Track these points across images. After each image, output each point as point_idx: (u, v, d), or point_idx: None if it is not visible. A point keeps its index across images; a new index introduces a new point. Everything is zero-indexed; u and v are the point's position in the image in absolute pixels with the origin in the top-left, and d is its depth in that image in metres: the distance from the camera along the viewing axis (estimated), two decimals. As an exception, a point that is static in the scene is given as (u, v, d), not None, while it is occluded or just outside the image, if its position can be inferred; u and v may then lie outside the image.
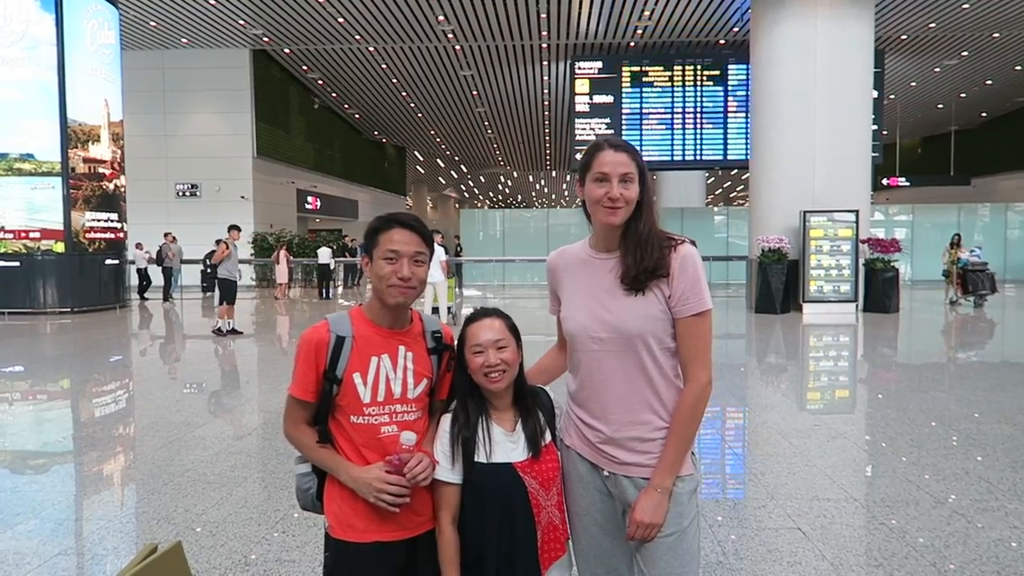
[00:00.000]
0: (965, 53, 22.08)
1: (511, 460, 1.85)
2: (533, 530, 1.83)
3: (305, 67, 24.10)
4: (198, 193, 23.13)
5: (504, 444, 1.87)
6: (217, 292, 11.89)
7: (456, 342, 1.97)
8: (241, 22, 19.47)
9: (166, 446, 5.35)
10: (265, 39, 21.06)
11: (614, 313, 1.82)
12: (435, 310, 12.18)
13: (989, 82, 25.76)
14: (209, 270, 11.80)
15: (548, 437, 1.93)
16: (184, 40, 21.40)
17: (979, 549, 3.47)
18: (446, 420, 1.91)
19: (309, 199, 28.19)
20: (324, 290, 19.38)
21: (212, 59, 22.53)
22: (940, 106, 29.41)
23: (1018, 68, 23.93)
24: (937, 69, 23.86)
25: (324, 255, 19.55)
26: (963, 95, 27.68)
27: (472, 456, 1.84)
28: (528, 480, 1.85)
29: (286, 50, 22.18)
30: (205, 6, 18.32)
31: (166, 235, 19.14)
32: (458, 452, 1.85)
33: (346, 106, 29.72)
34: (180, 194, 23.18)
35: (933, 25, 19.15)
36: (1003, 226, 22.81)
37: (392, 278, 1.84)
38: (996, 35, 20.17)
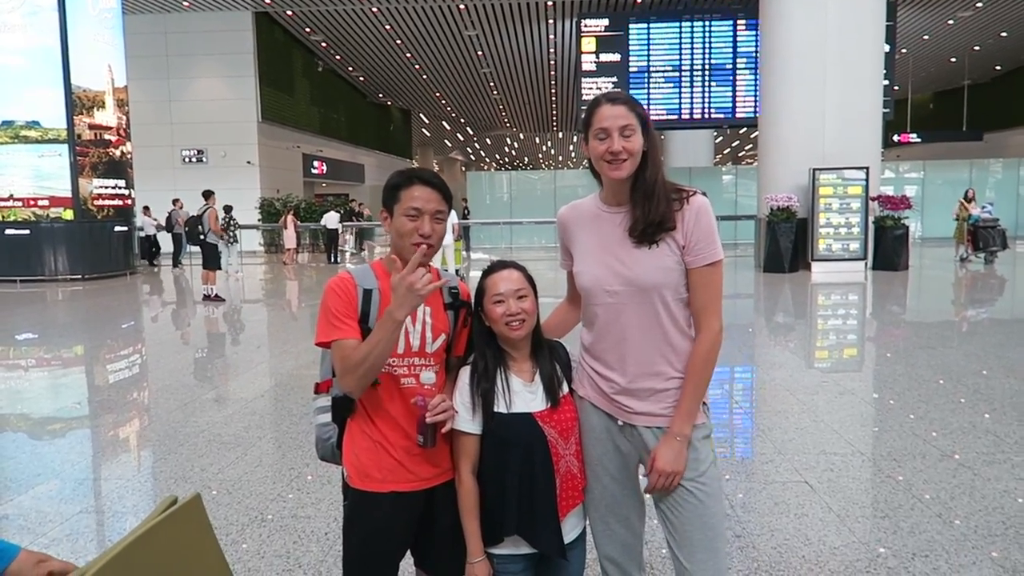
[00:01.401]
0: (980, 4, 21.61)
1: (531, 410, 1.89)
2: (552, 478, 1.86)
3: (308, 29, 23.84)
4: (204, 159, 23.09)
5: (523, 394, 1.90)
6: (202, 257, 12.00)
7: (474, 295, 1.99)
8: (242, -16, 19.24)
9: (181, 408, 5.43)
10: (268, 1, 20.80)
11: (628, 266, 1.83)
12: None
13: (1004, 34, 25.24)
14: (203, 236, 11.90)
15: (565, 388, 1.96)
16: (186, 3, 21.17)
17: (984, 500, 3.51)
18: (465, 372, 1.94)
19: (315, 163, 28.11)
20: (332, 254, 19.44)
21: (215, 22, 22.30)
22: (953, 60, 28.90)
23: (1034, 19, 23.45)
24: (951, 21, 23.40)
25: (332, 219, 19.57)
26: (977, 48, 27.17)
27: (492, 407, 1.87)
28: (547, 430, 1.88)
29: (289, 12, 21.93)
30: (205, -32, 18.10)
31: (174, 202, 19.17)
32: (478, 403, 1.88)
33: (350, 69, 29.46)
34: (186, 160, 23.14)
35: (947, -24, 18.74)
36: (1016, 182, 22.56)
37: (414, 235, 1.85)
38: (1012, -15, 19.75)
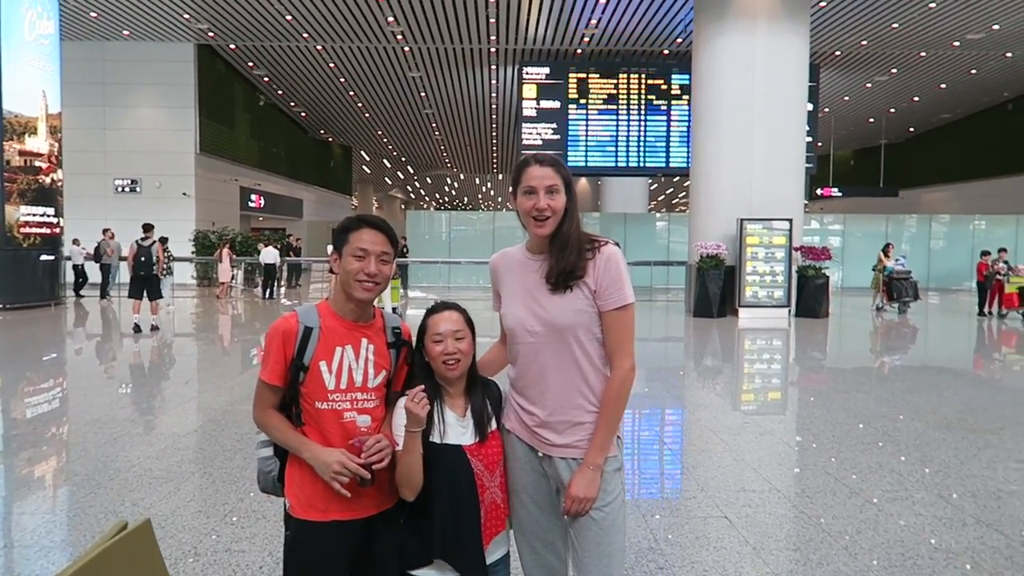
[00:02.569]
0: (894, 70, 23.11)
1: (461, 443, 2.03)
2: (477, 508, 2.00)
3: (251, 63, 23.79)
4: (138, 189, 22.60)
5: (456, 428, 2.04)
6: (147, 289, 11.96)
7: (416, 331, 2.14)
8: (186, 16, 19.15)
9: (111, 442, 5.34)
10: (210, 34, 20.74)
11: (546, 309, 2.01)
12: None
13: (916, 99, 26.98)
14: (143, 271, 11.86)
15: (494, 424, 2.11)
16: (126, 32, 20.92)
17: (887, 534, 3.77)
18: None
19: (253, 197, 27.79)
20: (269, 289, 19.18)
21: (155, 52, 22.07)
22: (871, 120, 30.66)
23: (943, 86, 25.14)
24: (869, 84, 24.89)
25: (270, 255, 19.32)
26: (892, 110, 28.93)
27: (427, 436, 2.00)
28: (475, 463, 2.02)
29: (232, 46, 21.87)
30: (148, -2, 17.97)
31: (105, 231, 18.68)
32: None
33: (292, 104, 29.41)
34: (119, 189, 22.62)
35: (865, 43, 20.00)
36: (927, 236, 23.91)
37: (360, 274, 2.00)
38: (923, 54, 21.18)
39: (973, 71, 23.23)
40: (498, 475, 2.07)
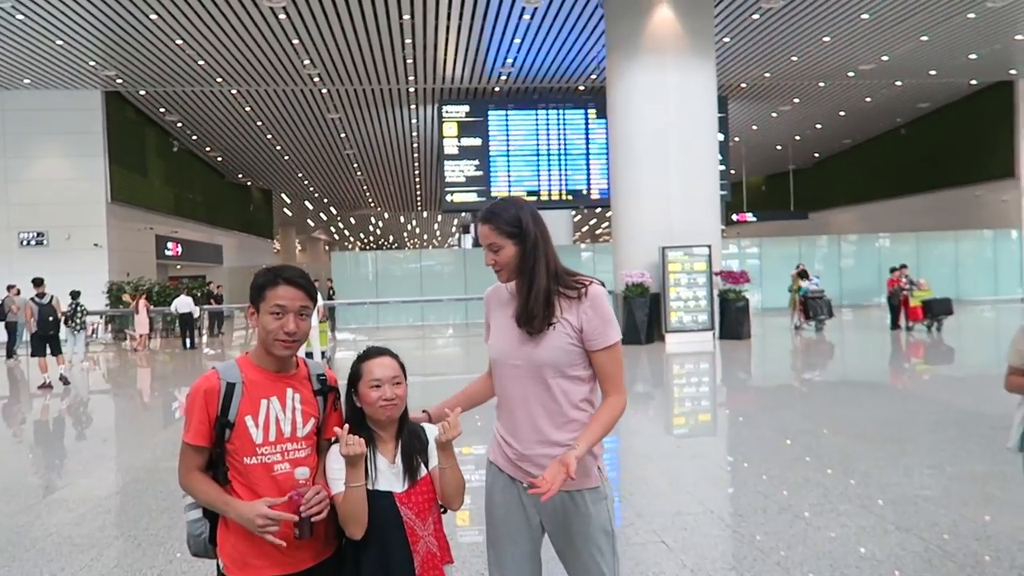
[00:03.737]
0: (797, 100, 24.35)
1: (392, 489, 2.02)
2: (410, 558, 1.98)
3: (163, 109, 23.27)
4: (45, 242, 21.65)
5: (387, 474, 2.04)
6: (50, 345, 11.80)
7: (348, 377, 2.13)
8: (91, 63, 18.63)
9: (24, 511, 5.06)
10: (119, 81, 20.22)
11: (527, 344, 2.07)
12: (309, 355, 12.01)
13: (819, 126, 28.47)
14: (53, 331, 11.63)
15: (424, 470, 2.09)
16: (27, 80, 20.20)
17: (816, 547, 3.91)
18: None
19: (169, 245, 26.99)
20: (189, 339, 18.57)
21: (60, 100, 21.33)
22: (779, 147, 32.14)
23: (842, 113, 26.63)
24: (774, 114, 26.14)
25: (184, 304, 18.70)
26: (798, 137, 30.41)
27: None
28: (404, 511, 2.01)
29: (141, 92, 21.36)
30: (51, 46, 17.41)
31: (9, 288, 17.80)
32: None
33: (208, 149, 28.84)
34: (24, 243, 21.62)
35: (768, 75, 21.05)
36: (838, 256, 25.06)
37: (279, 332, 1.96)
38: (822, 84, 22.42)
39: (868, 99, 24.70)
40: (431, 521, 2.06)
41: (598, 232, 60.38)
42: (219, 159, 30.73)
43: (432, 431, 2.15)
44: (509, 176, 20.61)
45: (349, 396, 2.12)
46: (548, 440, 2.06)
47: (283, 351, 1.98)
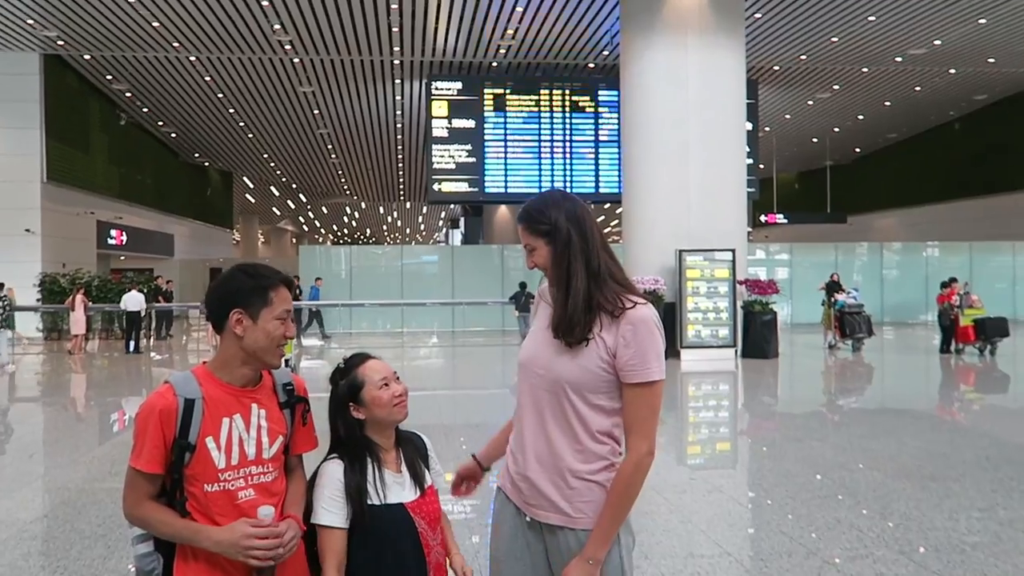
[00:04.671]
0: (836, 86, 24.47)
1: (402, 500, 2.12)
2: (425, 569, 2.09)
3: (110, 77, 23.23)
4: (-31, 225, 21.60)
5: (394, 486, 2.14)
6: None
7: (344, 389, 2.19)
8: (30, 21, 18.60)
9: (-63, 535, 5.03)
10: (60, 43, 20.18)
11: (553, 354, 2.07)
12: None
13: (861, 117, 28.61)
14: None
15: (428, 478, 2.23)
16: (-46, 39, 20.15)
17: (848, 597, 3.92)
18: (331, 465, 2.12)
19: (113, 233, 26.94)
20: (134, 342, 18.50)
21: (-9, 63, 21.30)
22: (815, 140, 32.27)
23: (888, 104, 26.76)
24: (810, 102, 26.26)
25: (134, 301, 18.66)
26: (837, 129, 30.55)
27: (366, 502, 2.07)
28: (418, 520, 2.12)
29: (86, 56, 21.33)
30: (-17, 0, 17.40)
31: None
32: (350, 499, 2.07)
33: (160, 123, 28.81)
34: (-55, 226, 21.55)
35: (804, 57, 21.14)
36: (879, 266, 25.15)
37: (283, 338, 2.03)
38: (865, 70, 22.53)
39: (917, 88, 24.83)
40: (439, 532, 2.18)
41: (607, 231, 60.45)
42: (173, 135, 30.70)
43: (427, 437, 2.33)
44: (506, 164, 20.65)
45: (344, 411, 2.18)
46: (561, 465, 2.04)
47: (279, 359, 2.06)
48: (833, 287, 17.67)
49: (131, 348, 18.23)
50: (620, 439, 2.09)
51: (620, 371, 2.01)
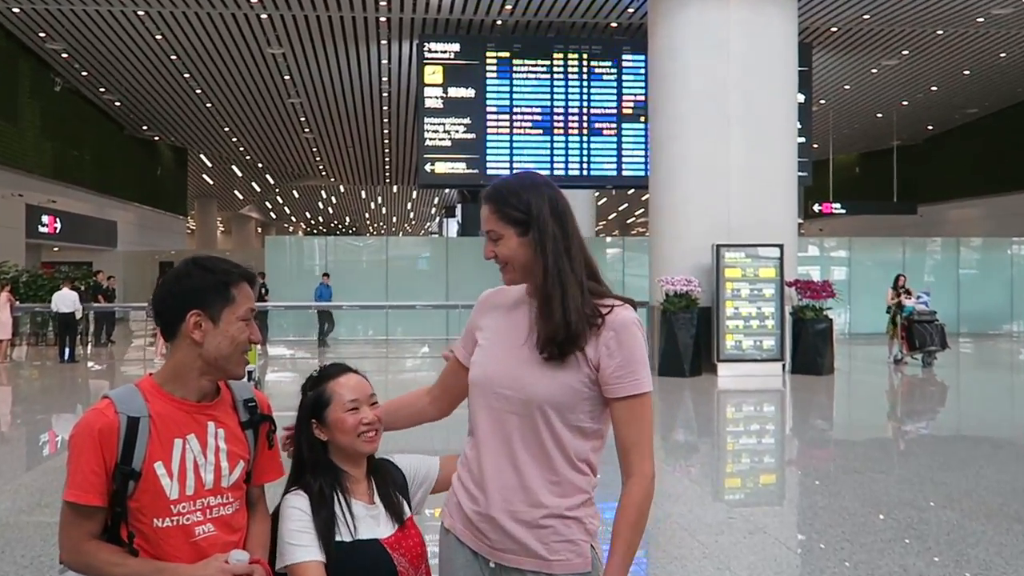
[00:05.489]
0: (905, 52, 24.37)
1: (377, 536, 2.11)
2: None
3: (43, 34, 23.27)
4: None
5: (366, 519, 2.13)
6: None
7: (309, 403, 2.19)
8: (-52, -33, 18.66)
9: None
10: (-16, -7, 20.25)
11: (526, 370, 2.04)
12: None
13: (934, 88, 28.49)
14: None
15: (407, 509, 2.23)
16: None
17: (916, 661, 3.90)
18: (295, 497, 2.12)
19: (44, 219, 26.99)
20: (69, 349, 18.51)
21: (-98, 17, 21.38)
22: (880, 115, 32.16)
23: (966, 73, 26.65)
24: (874, 70, 26.17)
25: (66, 301, 18.66)
26: (905, 103, 30.43)
27: (333, 536, 2.06)
28: (397, 558, 2.10)
29: (15, 10, 21.38)
30: None
31: None
32: (318, 533, 2.06)
33: (102, 90, 28.84)
34: None
35: (867, 17, 21.06)
36: (955, 265, 25.06)
37: (247, 343, 2.03)
38: (940, 32, 22.44)
39: (1002, 55, 24.72)
40: (423, 572, 2.18)
41: (630, 221, 60.46)
42: (117, 104, 30.74)
43: (406, 462, 2.32)
44: (511, 142, 20.59)
45: (307, 428, 2.18)
46: (534, 501, 2.02)
47: (243, 369, 2.05)
48: (900, 287, 17.63)
49: (65, 356, 18.27)
50: (596, 468, 2.12)
51: (606, 385, 2.02)
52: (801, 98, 17.44)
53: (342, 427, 2.13)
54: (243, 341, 2.01)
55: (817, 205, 31.21)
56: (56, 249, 30.44)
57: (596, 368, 2.01)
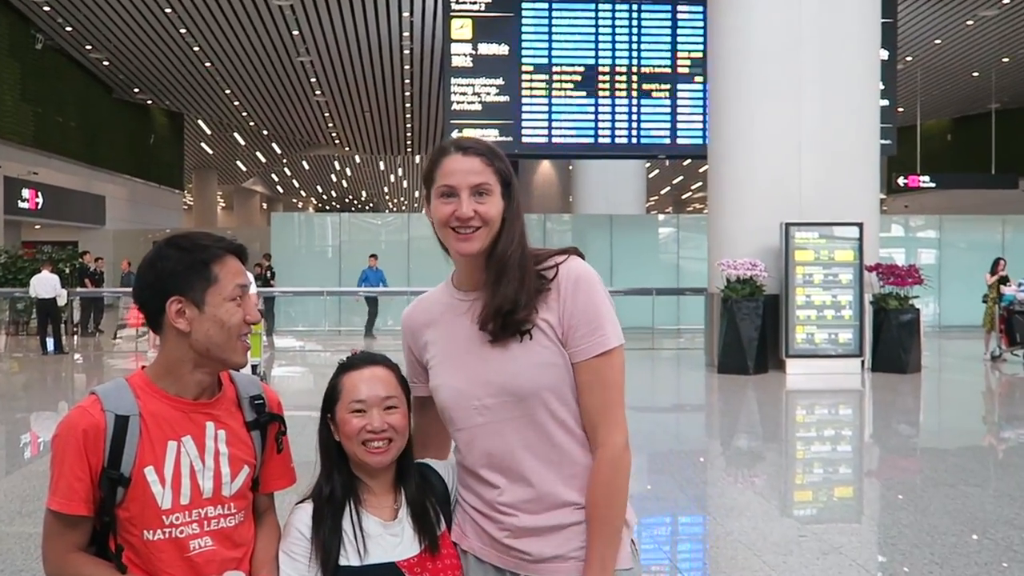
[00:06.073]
0: (1006, 0, 24.01)
1: (393, 559, 2.05)
2: None
3: (23, -16, 23.52)
4: None
5: (382, 538, 2.07)
6: None
7: (324, 396, 2.16)
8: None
9: None
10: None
11: (496, 370, 2.04)
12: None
13: (1040, 43, 28.09)
14: None
15: (443, 526, 2.15)
16: None
17: None
18: (302, 510, 2.09)
19: (25, 193, 27.32)
20: (55, 339, 18.70)
21: None
22: (976, 74, 31.73)
23: (1078, 24, 26.25)
24: (970, 22, 25.81)
25: (46, 285, 18.80)
26: (1006, 60, 29.99)
27: (334, 559, 2.02)
28: None
29: (-8, -43, 21.62)
30: None
31: None
32: (317, 553, 2.03)
33: (89, 48, 29.09)
34: None
35: (963, -40, 20.80)
36: (1063, 247, 24.70)
37: (242, 327, 2.00)
38: (1048, -23, 22.12)
39: (1123, 1, 24.31)
40: None
41: (685, 197, 60.19)
42: (105, 64, 30.98)
43: (447, 468, 2.23)
44: (550, 105, 20.49)
45: (324, 424, 2.15)
46: (555, 502, 2.05)
47: (244, 356, 2.02)
48: (1000, 277, 17.38)
49: (47, 348, 18.45)
50: None
51: (571, 345, 2.03)
52: (884, 55, 17.21)
53: (345, 431, 2.08)
54: (235, 324, 1.98)
55: (902, 178, 30.90)
56: (38, 227, 30.79)
57: (560, 333, 2.03)
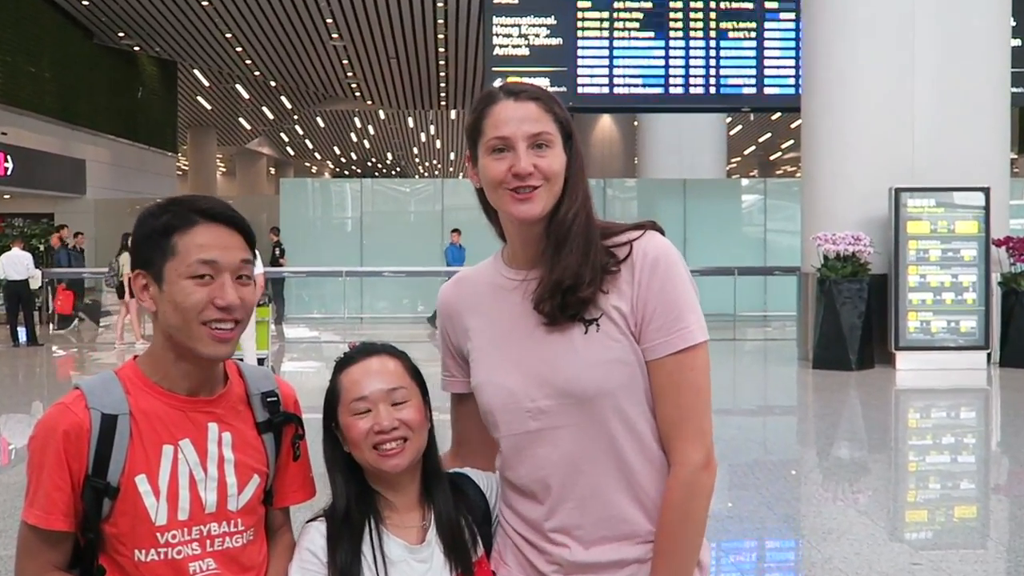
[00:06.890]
0: None
1: None
2: None
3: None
4: None
5: (407, 564, 2.05)
6: None
7: (325, 400, 2.13)
8: None
9: None
10: None
11: (554, 364, 1.98)
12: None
13: None
14: None
15: (480, 549, 2.13)
16: None
17: None
18: (313, 529, 2.08)
19: (-8, 157, 27.67)
20: (27, 329, 18.96)
21: None
22: None
23: None
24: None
25: (17, 265, 19.01)
26: None
27: None
28: None
29: None
30: None
31: None
32: None
33: (66, -16, 29.36)
34: None
35: None
36: None
37: (209, 309, 1.90)
38: None
39: None
40: None
41: (774, 158, 59.79)
42: (85, 4, 31.21)
43: (488, 480, 2.18)
44: (611, 48, 20.42)
45: (330, 433, 2.12)
46: (618, 532, 2.00)
47: (217, 346, 1.93)
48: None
49: (19, 338, 18.67)
50: None
51: (645, 338, 1.96)
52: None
53: (350, 436, 2.05)
54: (191, 306, 1.89)
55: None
56: (7, 197, 31.11)
57: (634, 322, 1.96)
